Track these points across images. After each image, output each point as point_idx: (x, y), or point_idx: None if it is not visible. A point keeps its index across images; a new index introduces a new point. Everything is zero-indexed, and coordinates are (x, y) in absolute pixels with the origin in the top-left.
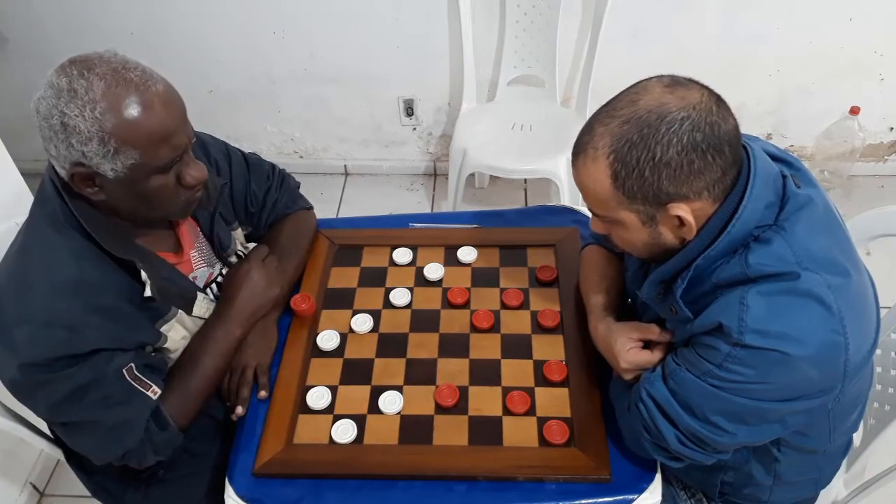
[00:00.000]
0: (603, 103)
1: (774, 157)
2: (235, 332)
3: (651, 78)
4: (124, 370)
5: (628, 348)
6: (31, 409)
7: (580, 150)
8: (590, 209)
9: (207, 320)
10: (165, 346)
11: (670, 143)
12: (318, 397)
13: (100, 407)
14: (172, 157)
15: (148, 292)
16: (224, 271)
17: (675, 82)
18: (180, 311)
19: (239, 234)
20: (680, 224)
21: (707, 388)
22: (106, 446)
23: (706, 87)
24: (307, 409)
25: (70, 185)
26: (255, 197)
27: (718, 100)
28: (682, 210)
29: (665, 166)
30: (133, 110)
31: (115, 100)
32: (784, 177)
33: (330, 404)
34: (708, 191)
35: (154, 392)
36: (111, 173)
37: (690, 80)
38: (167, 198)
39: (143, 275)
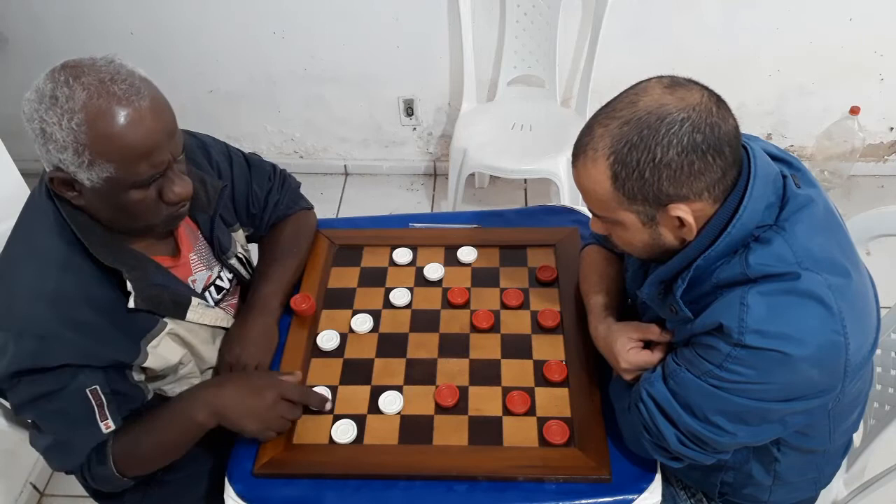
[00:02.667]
0: (603, 103)
1: (774, 158)
2: (197, 417)
3: (651, 79)
4: (88, 391)
5: (628, 348)
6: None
7: (580, 151)
8: (590, 210)
9: (186, 391)
10: (147, 364)
11: (670, 144)
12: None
13: (53, 418)
14: (152, 174)
15: (131, 304)
16: (223, 274)
17: (674, 83)
18: (172, 322)
19: (239, 235)
20: (680, 225)
21: (707, 388)
22: (51, 457)
23: (706, 88)
24: (307, 409)
25: (50, 187)
26: (256, 198)
27: (718, 100)
28: (682, 211)
29: (665, 167)
30: (110, 125)
31: (94, 112)
32: (784, 177)
33: (330, 404)
34: (708, 191)
35: (107, 426)
36: (87, 183)
37: (690, 81)
38: (147, 211)
39: (129, 285)
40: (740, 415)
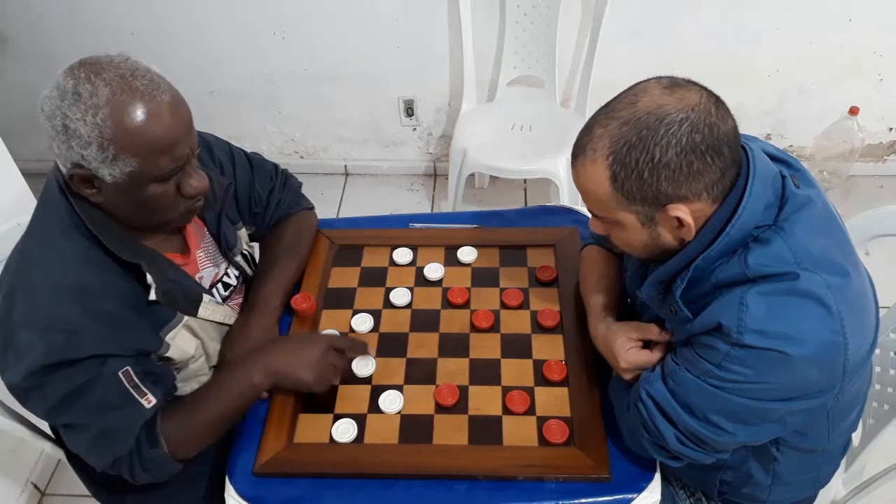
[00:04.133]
0: (603, 103)
1: (774, 158)
2: (253, 379)
3: (650, 79)
4: (120, 374)
5: (628, 348)
6: (31, 412)
7: (579, 151)
8: (589, 210)
9: (233, 359)
10: (169, 354)
11: (669, 145)
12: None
13: (93, 410)
14: (172, 168)
15: (153, 296)
16: (230, 271)
17: (673, 83)
18: (187, 316)
19: (244, 233)
20: (679, 225)
21: (706, 387)
22: (97, 450)
23: (705, 88)
24: (308, 409)
25: (70, 184)
26: (258, 197)
27: (717, 101)
28: (681, 211)
29: (664, 168)
30: (135, 119)
31: (118, 107)
32: (783, 177)
33: (330, 404)
34: (707, 192)
35: (148, 401)
36: (109, 178)
37: (689, 82)
38: (166, 206)
39: (149, 278)
40: (739, 414)
